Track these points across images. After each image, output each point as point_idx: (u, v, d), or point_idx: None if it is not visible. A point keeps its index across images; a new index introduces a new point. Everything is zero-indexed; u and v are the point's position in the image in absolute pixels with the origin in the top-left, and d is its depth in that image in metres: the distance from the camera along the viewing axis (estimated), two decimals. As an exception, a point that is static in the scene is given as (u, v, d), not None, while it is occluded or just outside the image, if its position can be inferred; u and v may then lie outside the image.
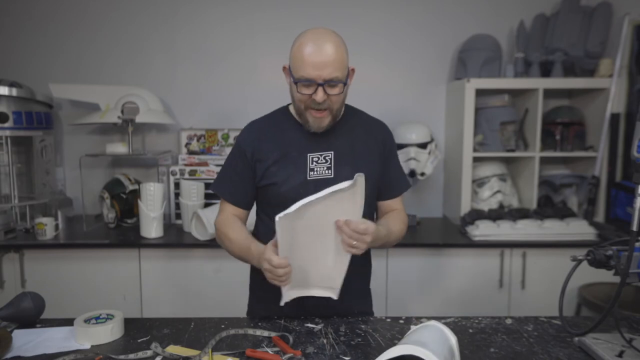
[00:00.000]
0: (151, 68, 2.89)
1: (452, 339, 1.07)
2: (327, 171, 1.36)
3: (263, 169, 1.38)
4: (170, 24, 2.87)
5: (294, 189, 1.35)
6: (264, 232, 1.45)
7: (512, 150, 2.69)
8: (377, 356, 0.96)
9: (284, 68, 1.35)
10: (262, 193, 1.42)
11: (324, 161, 1.37)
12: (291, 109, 1.44)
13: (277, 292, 1.43)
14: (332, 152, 1.37)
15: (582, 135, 2.73)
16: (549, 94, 2.71)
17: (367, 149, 1.42)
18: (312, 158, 1.36)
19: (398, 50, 2.89)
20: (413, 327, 1.14)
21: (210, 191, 2.52)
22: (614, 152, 2.61)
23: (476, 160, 2.68)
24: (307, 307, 1.40)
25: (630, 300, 2.12)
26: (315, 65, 1.24)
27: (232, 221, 1.41)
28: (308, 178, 1.36)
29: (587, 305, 2.15)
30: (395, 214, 1.48)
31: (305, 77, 1.26)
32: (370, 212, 1.44)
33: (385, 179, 1.46)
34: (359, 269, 1.46)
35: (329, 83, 1.26)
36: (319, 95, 1.27)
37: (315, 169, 1.36)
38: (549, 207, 2.67)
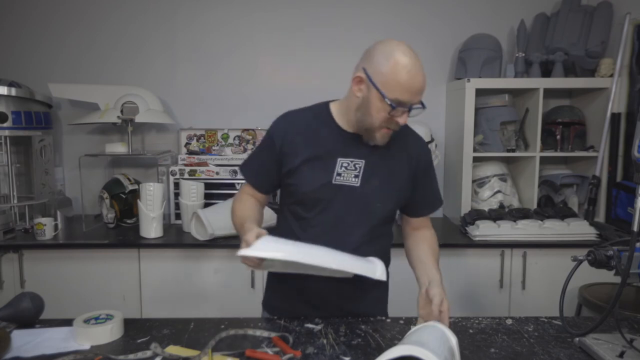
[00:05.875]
0: (151, 68, 2.88)
1: (453, 340, 1.07)
2: (354, 179, 1.32)
3: (290, 165, 1.34)
4: (170, 24, 2.87)
5: (316, 191, 1.33)
6: (284, 227, 1.44)
7: (513, 150, 2.69)
8: (377, 356, 0.95)
9: (359, 78, 1.26)
10: (285, 188, 1.40)
11: (353, 168, 1.33)
12: (333, 108, 1.38)
13: (293, 283, 1.41)
14: (363, 161, 1.33)
15: (582, 135, 2.73)
16: (549, 93, 2.71)
17: (398, 164, 1.37)
18: (342, 163, 1.33)
19: (398, 50, 2.88)
20: (413, 328, 1.13)
21: (210, 191, 2.54)
22: (614, 152, 2.60)
23: (476, 160, 2.67)
24: (324, 303, 1.39)
25: (631, 301, 2.12)
26: (414, 91, 1.20)
27: (244, 198, 1.43)
28: (333, 182, 1.32)
29: (588, 305, 2.14)
30: (427, 237, 1.45)
31: (401, 101, 1.21)
32: (385, 217, 1.40)
33: (416, 196, 1.42)
34: (373, 283, 1.44)
35: (416, 107, 1.24)
36: (404, 119, 1.24)
37: (343, 175, 1.32)
38: (550, 207, 2.66)
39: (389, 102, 1.21)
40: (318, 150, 1.33)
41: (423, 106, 1.25)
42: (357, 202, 1.33)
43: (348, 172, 1.33)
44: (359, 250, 1.36)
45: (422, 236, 1.45)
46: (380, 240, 1.43)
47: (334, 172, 1.32)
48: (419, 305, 1.24)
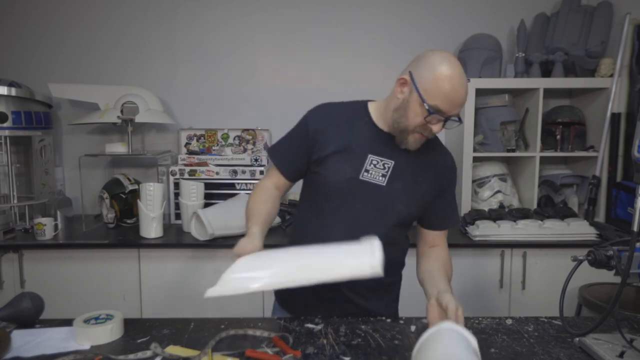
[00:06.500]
0: (151, 68, 2.88)
1: (474, 342, 0.98)
2: (380, 178, 1.33)
3: (320, 154, 1.34)
4: (170, 24, 2.87)
5: (342, 184, 1.33)
6: (303, 219, 1.45)
7: (513, 150, 2.69)
8: (377, 356, 0.95)
9: (404, 80, 1.27)
10: (310, 177, 1.40)
11: (381, 167, 1.33)
12: (371, 107, 1.40)
13: None
14: (393, 162, 1.33)
15: (582, 135, 2.73)
16: (549, 93, 2.71)
17: (426, 172, 1.38)
18: (372, 160, 1.33)
19: (398, 50, 2.88)
20: (428, 332, 1.03)
21: (210, 191, 2.54)
22: (614, 152, 2.60)
23: (476, 160, 2.67)
24: (336, 297, 1.39)
25: (631, 301, 2.12)
26: (454, 103, 1.22)
27: (265, 191, 1.41)
28: (360, 177, 1.33)
29: (588, 305, 2.14)
30: (441, 256, 1.43)
31: (439, 109, 1.22)
32: (404, 220, 1.41)
33: (435, 210, 1.42)
34: (386, 284, 1.46)
35: (453, 119, 1.25)
36: (438, 128, 1.25)
37: (370, 172, 1.33)
38: (550, 207, 2.66)
39: (427, 107, 1.22)
40: (350, 143, 1.34)
41: (460, 121, 1.27)
42: (380, 201, 1.34)
43: (376, 170, 1.33)
44: None
45: (435, 255, 1.44)
46: (397, 245, 1.44)
47: (362, 167, 1.33)
48: (428, 314, 1.22)
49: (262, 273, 1.09)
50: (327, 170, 1.34)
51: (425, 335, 1.00)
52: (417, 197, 1.37)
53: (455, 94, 1.21)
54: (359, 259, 1.06)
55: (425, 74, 1.23)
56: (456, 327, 1.00)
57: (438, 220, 1.45)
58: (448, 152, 1.46)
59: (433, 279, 1.32)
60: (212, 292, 1.08)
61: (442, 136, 2.90)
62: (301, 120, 1.42)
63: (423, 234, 1.47)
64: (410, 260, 1.50)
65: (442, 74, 1.21)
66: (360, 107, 1.40)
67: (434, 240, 1.46)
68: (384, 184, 1.33)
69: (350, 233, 1.33)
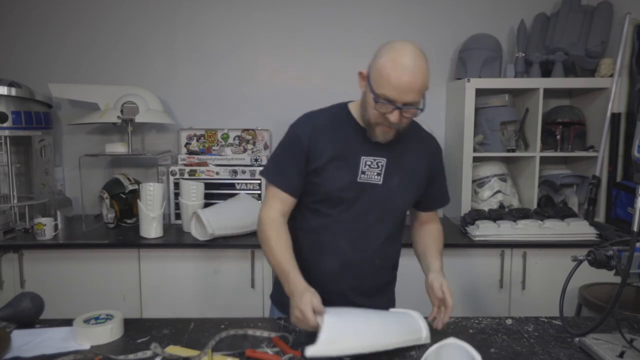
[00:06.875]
0: (151, 68, 2.88)
1: (478, 358, 0.98)
2: (376, 177, 1.36)
3: (316, 164, 1.34)
4: (170, 24, 2.87)
5: (342, 189, 1.35)
6: (302, 225, 1.44)
7: (513, 150, 2.69)
8: (377, 356, 0.95)
9: (361, 73, 1.31)
10: (308, 187, 1.39)
11: (375, 166, 1.36)
12: (351, 108, 1.41)
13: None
14: (385, 159, 1.36)
15: (582, 135, 2.73)
16: (549, 93, 2.71)
17: (416, 161, 1.41)
18: (366, 161, 1.35)
19: (398, 50, 2.88)
20: (434, 346, 1.04)
21: (210, 191, 2.54)
22: (614, 152, 2.60)
23: (476, 160, 2.67)
24: (331, 297, 1.39)
25: (631, 301, 2.12)
26: (400, 89, 1.20)
27: (278, 226, 1.35)
28: (358, 180, 1.35)
29: (588, 305, 2.14)
30: (433, 230, 1.52)
31: (386, 97, 1.22)
32: (402, 215, 1.47)
33: (428, 192, 1.47)
34: (387, 282, 1.51)
35: (407, 107, 1.24)
36: (394, 117, 1.25)
37: (367, 173, 1.35)
38: (550, 207, 2.66)
39: (372, 96, 1.24)
40: (342, 149, 1.35)
41: (420, 109, 1.26)
42: (379, 199, 1.37)
43: (371, 170, 1.36)
44: (380, 249, 1.41)
45: (428, 230, 1.53)
46: (396, 243, 1.49)
47: (359, 170, 1.35)
48: (428, 293, 1.34)
49: (352, 344, 1.14)
50: (325, 179, 1.35)
51: (431, 350, 1.02)
52: (412, 189, 1.42)
53: (400, 81, 1.20)
54: (416, 335, 1.23)
55: (376, 63, 1.25)
56: (460, 343, 1.02)
57: (431, 204, 1.53)
58: (432, 137, 1.50)
59: (426, 257, 1.45)
60: (313, 351, 1.09)
61: (442, 135, 2.91)
62: (290, 134, 1.39)
63: (417, 214, 1.55)
64: (406, 260, 1.53)
65: (389, 61, 1.21)
66: (342, 111, 1.41)
67: (427, 218, 1.54)
68: (380, 182, 1.36)
69: (355, 234, 1.37)
